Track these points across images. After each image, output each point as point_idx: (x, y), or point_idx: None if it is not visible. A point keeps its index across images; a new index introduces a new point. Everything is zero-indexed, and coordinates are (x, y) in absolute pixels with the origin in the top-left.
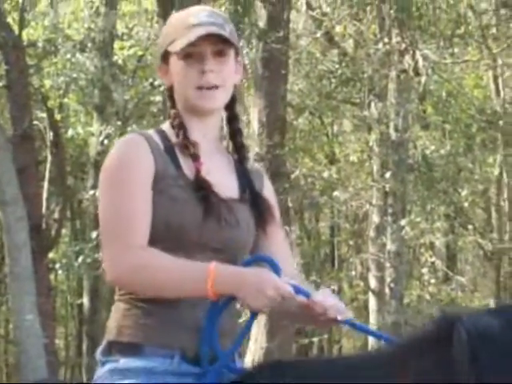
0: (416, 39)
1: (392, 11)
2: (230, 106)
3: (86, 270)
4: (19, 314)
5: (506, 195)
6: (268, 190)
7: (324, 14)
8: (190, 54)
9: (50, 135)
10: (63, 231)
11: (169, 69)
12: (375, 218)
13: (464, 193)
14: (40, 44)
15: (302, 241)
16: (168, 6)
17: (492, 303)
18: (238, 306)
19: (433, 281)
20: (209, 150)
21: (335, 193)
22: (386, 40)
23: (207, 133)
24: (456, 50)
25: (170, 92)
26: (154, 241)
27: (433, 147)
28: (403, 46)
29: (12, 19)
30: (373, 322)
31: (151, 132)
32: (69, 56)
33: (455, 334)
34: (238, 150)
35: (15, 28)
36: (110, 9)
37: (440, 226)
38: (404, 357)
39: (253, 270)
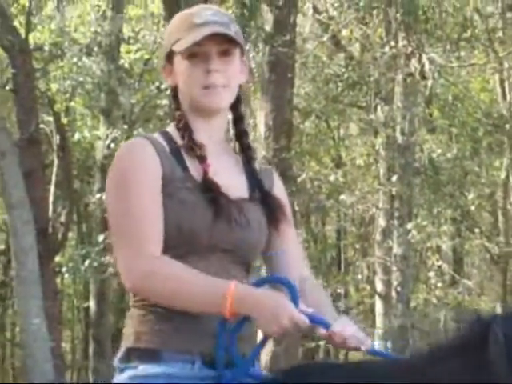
0: (422, 43)
1: (398, 15)
2: (236, 107)
3: (92, 273)
4: (26, 317)
5: None
6: (279, 189)
7: (330, 18)
8: (194, 54)
9: (56, 139)
10: (70, 235)
11: (173, 69)
12: (381, 222)
13: (470, 196)
14: (46, 48)
15: (309, 244)
16: (174, 10)
17: (499, 307)
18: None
19: (439, 284)
20: (215, 151)
21: (342, 196)
22: (392, 43)
23: (213, 134)
24: (462, 53)
25: (174, 92)
26: (167, 247)
27: (439, 151)
28: (409, 49)
29: (18, 23)
30: (379, 325)
31: (156, 135)
32: (75, 60)
33: (491, 335)
34: (245, 151)
35: (22, 32)
36: (117, 12)
37: (446, 229)
38: (439, 359)
39: (270, 292)
